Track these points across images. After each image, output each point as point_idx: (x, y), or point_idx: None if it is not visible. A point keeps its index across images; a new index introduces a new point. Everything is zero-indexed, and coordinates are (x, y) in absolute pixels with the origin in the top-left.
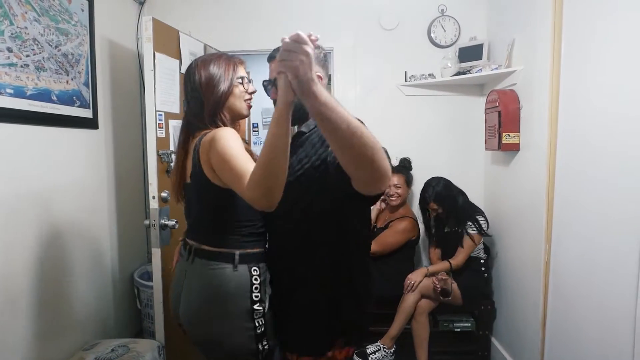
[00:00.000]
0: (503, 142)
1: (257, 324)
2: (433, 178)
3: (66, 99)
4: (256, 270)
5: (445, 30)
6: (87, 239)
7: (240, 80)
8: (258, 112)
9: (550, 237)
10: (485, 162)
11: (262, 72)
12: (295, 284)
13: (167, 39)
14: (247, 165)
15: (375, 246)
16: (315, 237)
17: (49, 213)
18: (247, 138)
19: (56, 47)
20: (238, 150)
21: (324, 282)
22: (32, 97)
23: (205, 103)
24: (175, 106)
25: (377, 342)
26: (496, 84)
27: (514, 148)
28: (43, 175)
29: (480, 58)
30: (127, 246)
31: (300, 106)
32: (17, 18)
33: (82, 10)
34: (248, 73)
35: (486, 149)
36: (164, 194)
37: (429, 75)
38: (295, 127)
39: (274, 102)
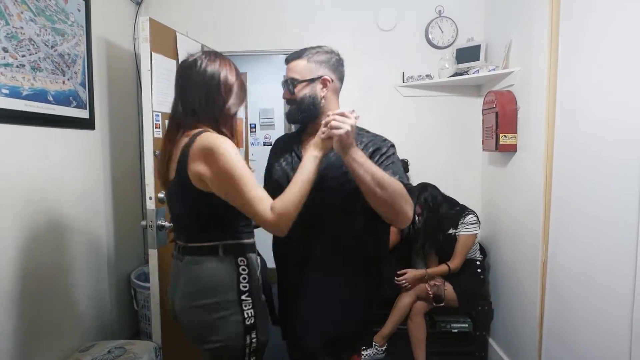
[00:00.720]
0: (500, 143)
1: (245, 316)
2: (420, 184)
3: (62, 99)
4: (243, 261)
5: (442, 31)
6: (83, 240)
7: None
8: (256, 112)
9: (548, 238)
10: (483, 163)
11: (258, 72)
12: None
13: (164, 39)
14: (256, 191)
15: None
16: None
17: (45, 214)
18: (244, 138)
19: (52, 47)
20: (244, 171)
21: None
22: (28, 98)
23: (216, 102)
24: None
25: None
26: (493, 85)
27: (511, 149)
28: (39, 176)
29: (477, 59)
30: (123, 247)
31: (310, 106)
32: (12, 18)
33: (79, 11)
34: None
35: (483, 149)
36: (160, 195)
37: (427, 76)
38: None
39: (287, 101)
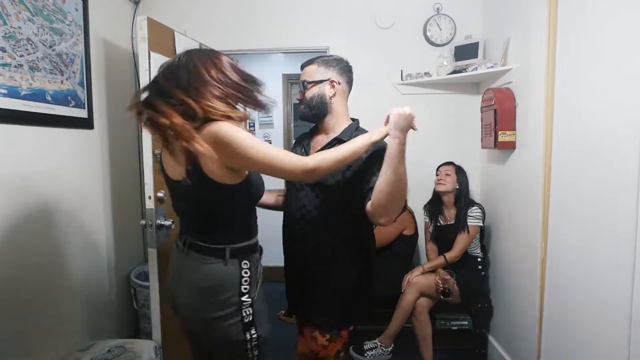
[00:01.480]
0: (499, 140)
1: (244, 314)
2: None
3: (61, 99)
4: (246, 264)
5: (440, 29)
6: (83, 239)
7: None
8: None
9: (547, 235)
10: (482, 161)
11: (257, 71)
12: (328, 262)
13: (162, 39)
14: (273, 150)
15: None
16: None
17: (43, 213)
18: None
19: (50, 47)
20: (256, 140)
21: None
22: (26, 98)
23: (200, 90)
24: None
25: (374, 340)
26: (492, 82)
27: (510, 146)
28: (38, 175)
29: (476, 56)
30: (123, 246)
31: (319, 104)
32: (10, 18)
33: (77, 10)
34: None
35: (482, 147)
36: (159, 194)
37: (425, 73)
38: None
39: (299, 102)
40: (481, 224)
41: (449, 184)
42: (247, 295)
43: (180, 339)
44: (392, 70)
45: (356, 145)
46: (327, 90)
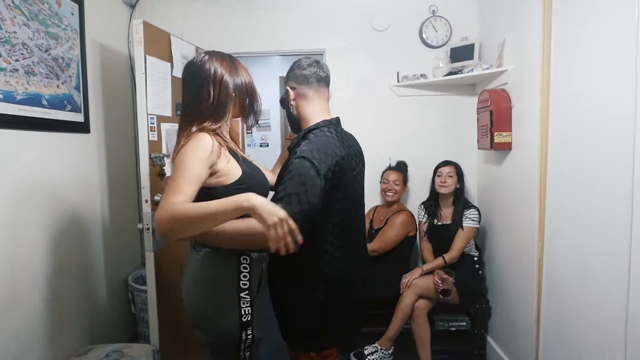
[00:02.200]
0: (495, 141)
1: (242, 313)
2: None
3: (57, 103)
4: (245, 259)
5: (436, 31)
6: (80, 243)
7: None
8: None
9: (543, 235)
10: (478, 161)
11: (254, 73)
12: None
13: (159, 42)
14: (184, 185)
15: (375, 244)
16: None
17: (40, 218)
18: (240, 140)
19: (46, 51)
20: (189, 165)
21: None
22: (22, 102)
23: (202, 99)
24: (167, 109)
25: (374, 344)
26: (488, 83)
27: (506, 147)
28: (34, 180)
29: (471, 58)
30: (121, 250)
31: (290, 115)
32: (5, 22)
33: (72, 14)
34: None
35: (479, 148)
36: (157, 198)
37: (421, 75)
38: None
39: (287, 113)
40: (477, 226)
41: (452, 185)
42: (246, 292)
43: (178, 343)
44: (389, 72)
45: (223, 205)
46: (290, 99)
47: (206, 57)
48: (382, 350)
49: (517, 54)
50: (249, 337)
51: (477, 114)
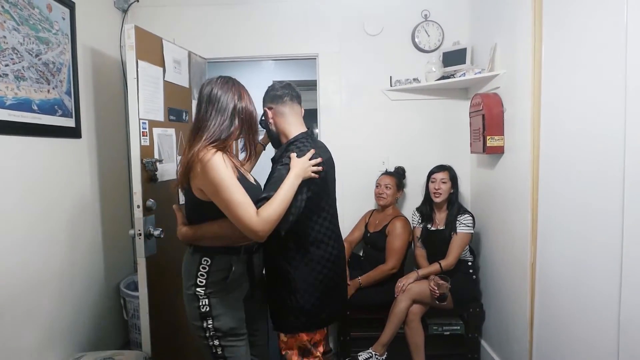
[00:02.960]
0: (488, 145)
1: (200, 304)
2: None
3: (47, 108)
4: (206, 261)
5: (429, 35)
6: (71, 249)
7: None
8: None
9: (536, 239)
10: (471, 165)
11: (246, 78)
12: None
13: (151, 47)
14: (243, 198)
15: (390, 262)
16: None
17: (31, 224)
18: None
19: (36, 56)
20: (230, 181)
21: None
22: (11, 107)
23: (212, 121)
24: (159, 114)
25: (368, 349)
26: (480, 87)
27: (499, 151)
28: (25, 186)
29: (464, 62)
30: (113, 256)
31: (271, 132)
32: None
33: (63, 19)
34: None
35: (471, 152)
36: (148, 203)
37: (414, 79)
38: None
39: (267, 132)
40: (472, 232)
41: (445, 192)
42: (201, 288)
43: (171, 349)
44: (382, 77)
45: (289, 187)
46: (269, 118)
47: (228, 83)
48: (376, 356)
49: (509, 58)
50: (209, 326)
51: (470, 117)
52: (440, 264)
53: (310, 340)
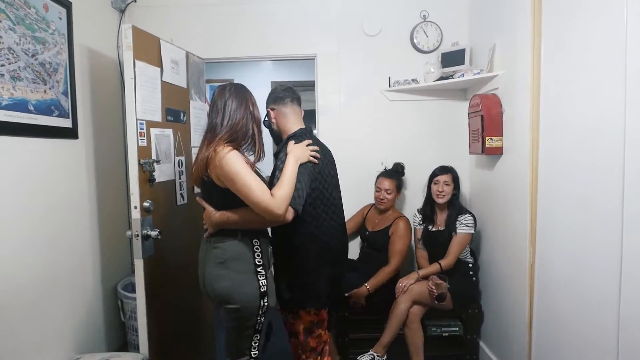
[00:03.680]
0: (486, 146)
1: (260, 284)
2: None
3: (44, 108)
4: (256, 242)
5: (427, 36)
6: (68, 250)
7: None
8: None
9: (535, 240)
10: (470, 166)
11: (245, 78)
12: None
13: (148, 47)
14: (259, 185)
15: (393, 264)
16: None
17: (28, 225)
18: None
19: (33, 56)
20: (245, 172)
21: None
22: (7, 108)
23: (228, 123)
24: (156, 114)
25: (369, 351)
26: (479, 88)
27: (498, 152)
28: (21, 187)
29: (462, 63)
30: (110, 257)
31: (273, 131)
32: None
33: (60, 19)
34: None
35: (470, 153)
36: (146, 204)
37: (413, 80)
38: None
39: (270, 131)
40: (472, 232)
41: (448, 194)
42: (261, 267)
43: (168, 351)
44: (380, 77)
45: (291, 169)
46: (271, 118)
47: (242, 90)
48: (377, 358)
49: (508, 59)
50: (265, 304)
51: (469, 118)
52: (440, 263)
53: (316, 317)
